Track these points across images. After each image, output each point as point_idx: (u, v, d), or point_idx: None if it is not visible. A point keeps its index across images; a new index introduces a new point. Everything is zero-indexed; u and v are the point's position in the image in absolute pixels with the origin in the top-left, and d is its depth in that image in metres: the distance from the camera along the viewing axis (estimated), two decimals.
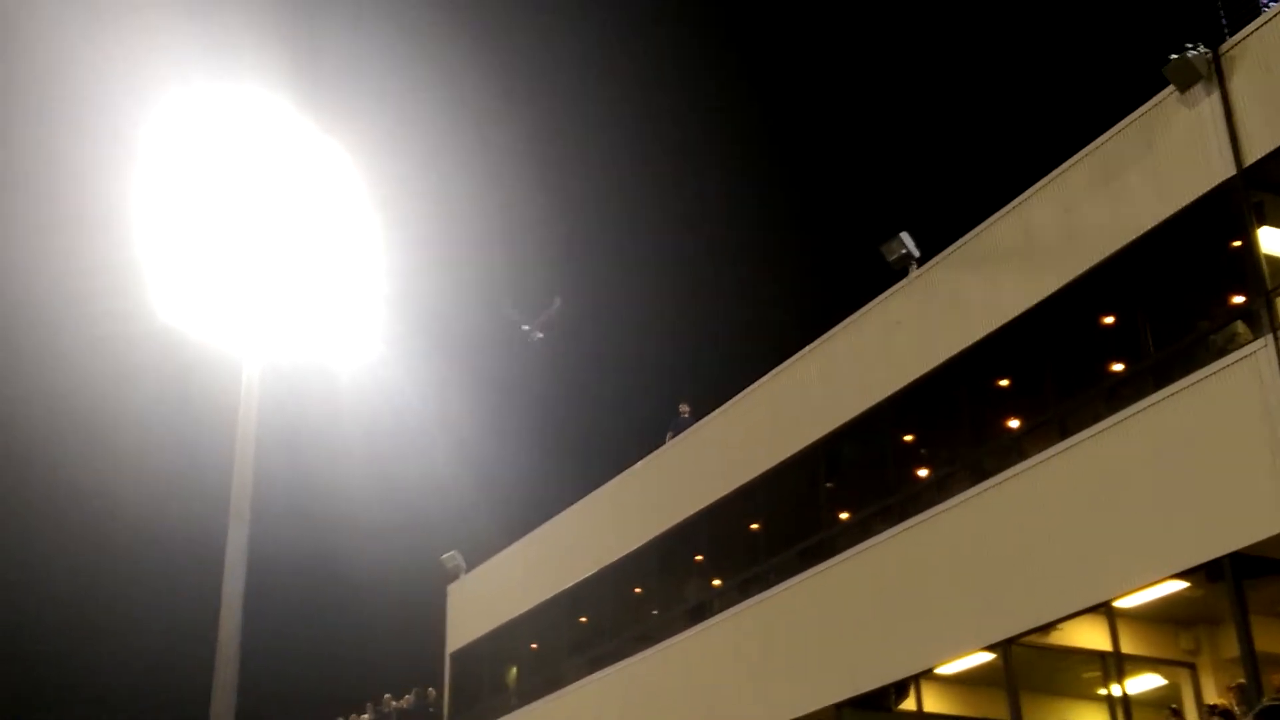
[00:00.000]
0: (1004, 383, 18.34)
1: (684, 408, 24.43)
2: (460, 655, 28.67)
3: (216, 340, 11.87)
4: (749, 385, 22.19)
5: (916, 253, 19.28)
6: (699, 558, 23.02)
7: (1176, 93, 15.71)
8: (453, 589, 29.31)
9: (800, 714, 19.45)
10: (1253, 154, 14.87)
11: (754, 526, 21.69)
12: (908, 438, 19.59)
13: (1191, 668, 16.96)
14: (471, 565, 29.09)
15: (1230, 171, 15.02)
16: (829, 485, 20.58)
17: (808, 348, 21.00)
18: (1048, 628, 16.31)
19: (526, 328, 24.26)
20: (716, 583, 22.44)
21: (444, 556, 29.21)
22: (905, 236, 19.34)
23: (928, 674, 17.80)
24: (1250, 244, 14.71)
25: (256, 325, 11.50)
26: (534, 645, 27.04)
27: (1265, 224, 14.86)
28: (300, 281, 11.53)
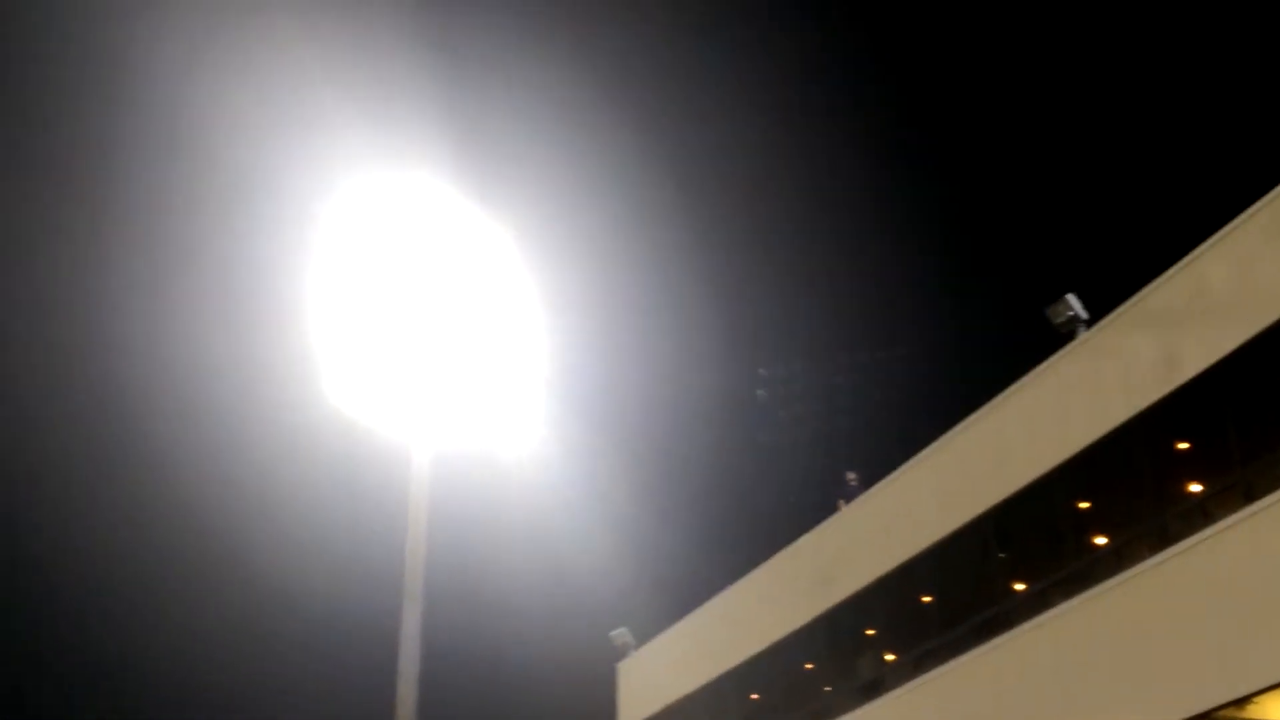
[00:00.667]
0: (1184, 445, 17.73)
1: (851, 475, 24.21)
2: None
3: (386, 427, 12.22)
4: (916, 454, 21.98)
5: (1085, 315, 18.87)
6: (870, 632, 22.66)
7: None
8: (623, 667, 29.31)
9: None
10: None
11: (925, 599, 21.28)
12: (1083, 504, 19.04)
13: None
14: (639, 643, 29.09)
15: None
16: (1001, 555, 20.12)
17: (975, 415, 20.56)
18: (1243, 701, 15.61)
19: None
20: (889, 657, 22.09)
21: (613, 633, 29.24)
22: (1072, 298, 18.93)
23: None
24: None
25: (423, 413, 11.79)
26: None
27: None
28: (466, 368, 11.80)
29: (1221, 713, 15.76)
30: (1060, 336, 19.00)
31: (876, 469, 23.02)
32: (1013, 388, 19.83)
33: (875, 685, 21.65)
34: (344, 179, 13.88)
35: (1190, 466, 17.46)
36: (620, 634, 29.02)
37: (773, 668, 24.52)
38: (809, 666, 23.83)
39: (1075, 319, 18.77)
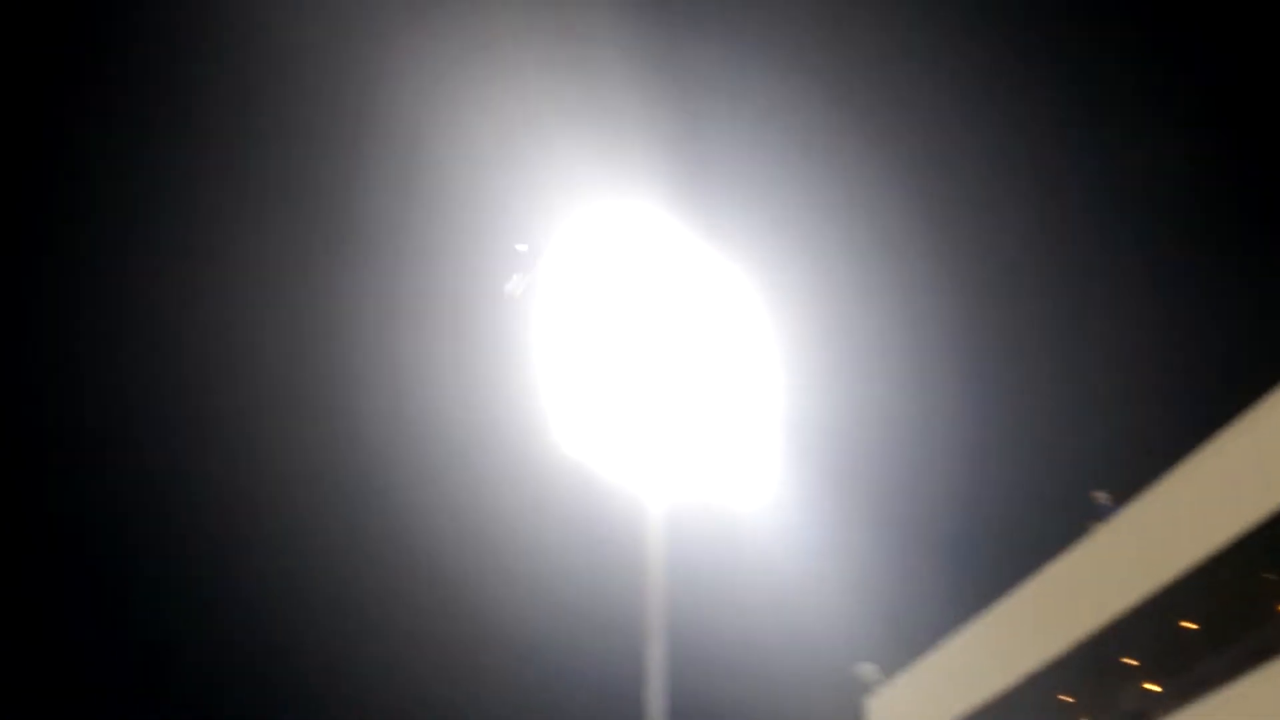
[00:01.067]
0: None
1: (1102, 495, 23.32)
2: None
3: (619, 478, 12.19)
4: (1169, 470, 20.93)
5: None
6: (1130, 661, 21.71)
7: None
8: (872, 703, 28.82)
9: None
10: None
11: (1188, 624, 20.26)
12: None
13: None
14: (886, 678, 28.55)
15: None
16: (1269, 576, 19.01)
17: (1240, 419, 19.49)
18: None
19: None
20: (1152, 688, 21.09)
21: (859, 668, 28.76)
22: None
23: None
24: None
25: (655, 463, 11.72)
26: None
27: None
28: (698, 415, 11.66)
29: None
30: None
31: (1127, 489, 22.13)
32: None
33: (1138, 717, 20.76)
34: (570, 213, 13.99)
35: None
36: (868, 669, 28.51)
37: (1027, 700, 23.74)
38: (1067, 699, 22.98)
39: None
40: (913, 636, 27.71)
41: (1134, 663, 21.65)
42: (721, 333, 12.42)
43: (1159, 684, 20.86)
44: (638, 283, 12.71)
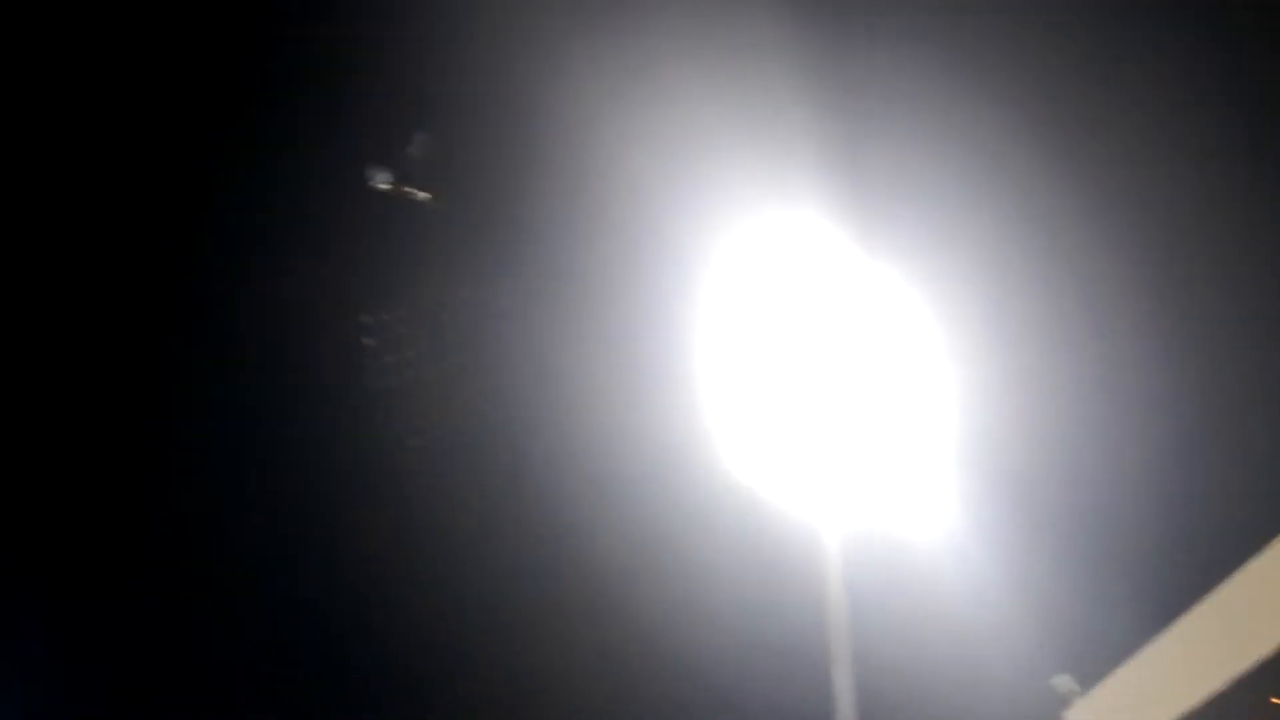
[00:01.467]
0: None
1: None
2: None
3: (790, 504, 11.79)
4: None
5: None
6: None
7: None
8: (1068, 715, 27.84)
9: None
10: None
11: None
12: None
13: None
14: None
15: None
16: None
17: None
18: None
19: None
20: None
21: (1055, 680, 27.77)
22: None
23: None
24: None
25: (830, 486, 11.28)
26: None
27: None
28: (870, 439, 11.20)
29: None
30: None
31: None
32: None
33: None
34: (738, 228, 13.63)
35: None
36: (1064, 681, 27.51)
37: (1237, 704, 22.59)
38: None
39: None
40: (1109, 645, 26.72)
41: None
42: (893, 349, 11.95)
43: None
44: (807, 299, 12.36)
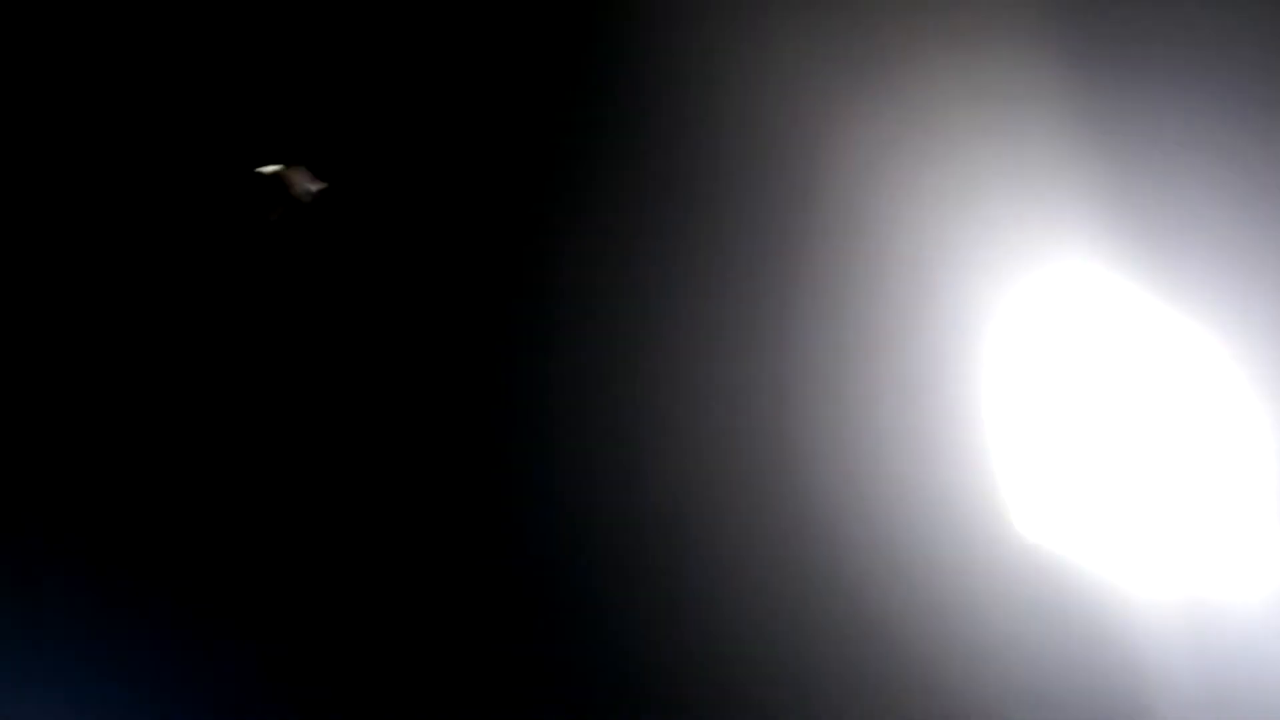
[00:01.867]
0: None
1: None
2: None
3: (1092, 563, 10.78)
4: None
5: None
6: None
7: None
8: None
9: None
10: None
11: None
12: None
13: None
14: None
15: None
16: None
17: None
18: None
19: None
20: None
21: None
22: None
23: None
24: None
25: (1131, 548, 10.24)
26: None
27: None
28: (1175, 493, 10.14)
29: None
30: None
31: None
32: None
33: None
34: (1016, 282, 12.79)
35: None
36: None
37: None
38: None
39: None
40: None
41: None
42: (1194, 400, 10.87)
43: None
44: (1096, 350, 11.52)
